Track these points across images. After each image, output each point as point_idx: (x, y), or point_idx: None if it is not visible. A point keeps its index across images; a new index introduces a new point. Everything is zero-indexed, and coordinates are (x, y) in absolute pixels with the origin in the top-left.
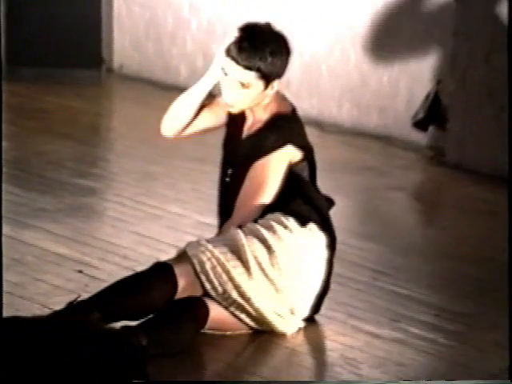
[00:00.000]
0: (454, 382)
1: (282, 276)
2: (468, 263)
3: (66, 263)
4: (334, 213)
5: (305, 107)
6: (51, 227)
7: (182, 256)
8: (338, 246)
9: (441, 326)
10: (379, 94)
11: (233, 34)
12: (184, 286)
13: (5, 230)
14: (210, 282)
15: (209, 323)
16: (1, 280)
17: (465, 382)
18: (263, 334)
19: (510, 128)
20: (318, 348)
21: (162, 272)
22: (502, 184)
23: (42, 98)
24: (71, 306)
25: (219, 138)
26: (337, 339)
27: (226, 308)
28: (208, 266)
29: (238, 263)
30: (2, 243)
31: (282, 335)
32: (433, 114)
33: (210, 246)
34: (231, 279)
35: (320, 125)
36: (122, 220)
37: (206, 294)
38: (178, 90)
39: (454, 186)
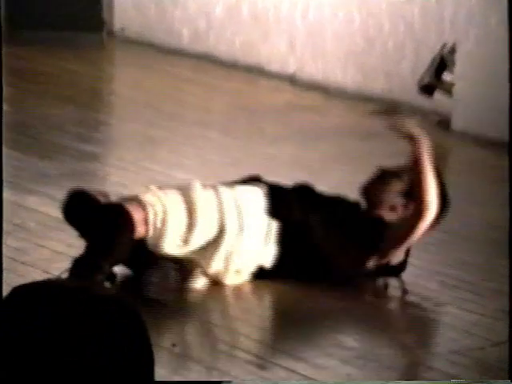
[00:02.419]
0: (452, 382)
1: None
2: (473, 229)
3: (67, 229)
4: (337, 178)
5: (309, 71)
6: (53, 192)
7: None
8: None
9: (445, 293)
10: (385, 59)
11: None
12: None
13: (6, 194)
14: None
15: None
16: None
17: (465, 382)
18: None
19: (510, 123)
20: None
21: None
22: (508, 149)
23: (42, 61)
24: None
25: (222, 104)
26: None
27: None
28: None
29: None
30: (4, 208)
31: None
32: (438, 78)
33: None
34: None
35: (325, 89)
36: (125, 185)
37: None
38: (180, 53)
39: (459, 151)
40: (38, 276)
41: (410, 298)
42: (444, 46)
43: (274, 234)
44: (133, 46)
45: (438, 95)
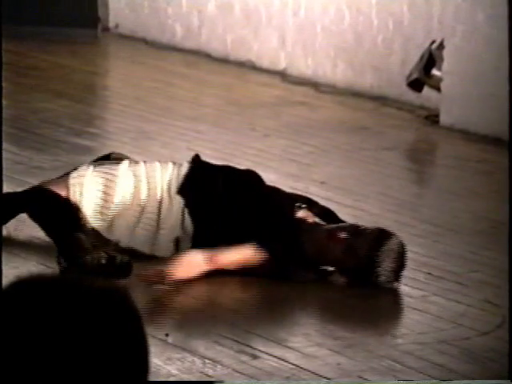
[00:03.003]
0: (452, 382)
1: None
2: (460, 222)
3: None
4: (328, 172)
5: (300, 67)
6: None
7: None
8: (333, 206)
9: (432, 284)
10: (374, 54)
11: None
12: None
13: None
14: None
15: None
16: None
17: (464, 382)
18: None
19: (511, 121)
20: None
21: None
22: (495, 144)
23: (37, 56)
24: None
25: (213, 99)
26: None
27: None
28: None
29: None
30: None
31: None
32: (427, 74)
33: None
34: None
35: (315, 84)
36: None
37: None
38: (173, 49)
39: (447, 146)
40: (31, 267)
41: (398, 288)
42: (433, 42)
43: (185, 209)
44: (126, 42)
45: (427, 90)
